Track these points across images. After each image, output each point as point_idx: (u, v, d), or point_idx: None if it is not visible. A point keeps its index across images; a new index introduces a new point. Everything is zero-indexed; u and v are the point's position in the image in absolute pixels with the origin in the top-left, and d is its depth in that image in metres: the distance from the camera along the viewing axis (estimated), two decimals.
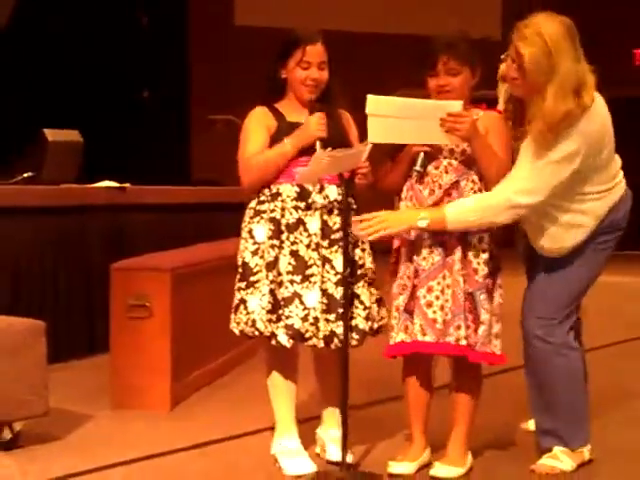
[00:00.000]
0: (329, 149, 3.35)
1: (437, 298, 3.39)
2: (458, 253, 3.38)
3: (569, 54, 3.31)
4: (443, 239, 3.40)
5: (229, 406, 4.52)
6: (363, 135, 3.46)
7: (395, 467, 3.50)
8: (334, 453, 3.54)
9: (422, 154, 3.41)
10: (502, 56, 3.40)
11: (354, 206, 3.54)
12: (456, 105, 3.32)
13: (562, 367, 3.51)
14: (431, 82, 3.43)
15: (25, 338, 3.70)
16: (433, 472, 3.46)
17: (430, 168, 3.44)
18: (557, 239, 3.48)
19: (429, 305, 3.39)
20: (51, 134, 5.95)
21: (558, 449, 3.55)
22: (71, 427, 4.04)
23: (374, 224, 3.34)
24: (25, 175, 5.75)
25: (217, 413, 4.40)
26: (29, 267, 5.27)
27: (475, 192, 3.42)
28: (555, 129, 3.29)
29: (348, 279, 3.41)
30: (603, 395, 4.33)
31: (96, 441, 3.90)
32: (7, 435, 3.74)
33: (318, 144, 3.43)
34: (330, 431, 3.67)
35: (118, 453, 3.71)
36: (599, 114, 3.39)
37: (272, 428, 3.68)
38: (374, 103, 3.34)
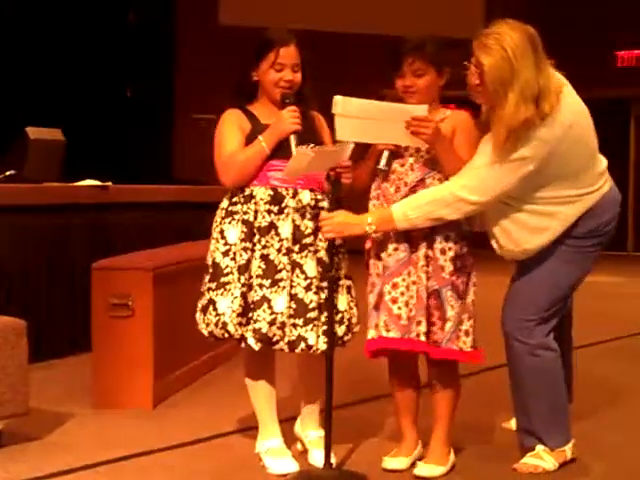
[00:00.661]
0: (311, 145, 3.36)
1: (402, 294, 3.42)
2: (423, 250, 3.41)
3: (530, 63, 3.33)
4: (409, 236, 3.42)
5: (212, 405, 4.52)
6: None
7: (390, 462, 3.53)
8: (318, 458, 3.54)
9: (387, 152, 3.44)
10: (465, 63, 3.42)
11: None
12: (421, 109, 3.37)
13: (534, 368, 3.52)
14: (398, 83, 3.47)
15: (6, 337, 3.69)
16: (416, 471, 3.47)
17: (396, 166, 3.47)
18: (520, 241, 3.49)
19: (394, 301, 3.42)
20: (33, 132, 5.94)
21: (540, 448, 3.56)
22: (53, 426, 4.03)
23: (328, 225, 3.37)
24: (7, 173, 5.74)
25: (199, 412, 4.39)
26: (10, 266, 5.25)
27: None
28: (514, 135, 3.31)
29: (323, 284, 3.45)
30: (589, 394, 4.37)
31: (78, 440, 3.89)
32: None
33: (292, 138, 3.43)
34: (310, 432, 3.68)
35: (101, 452, 3.70)
36: (562, 123, 3.38)
37: (256, 427, 3.68)
38: (341, 104, 3.37)
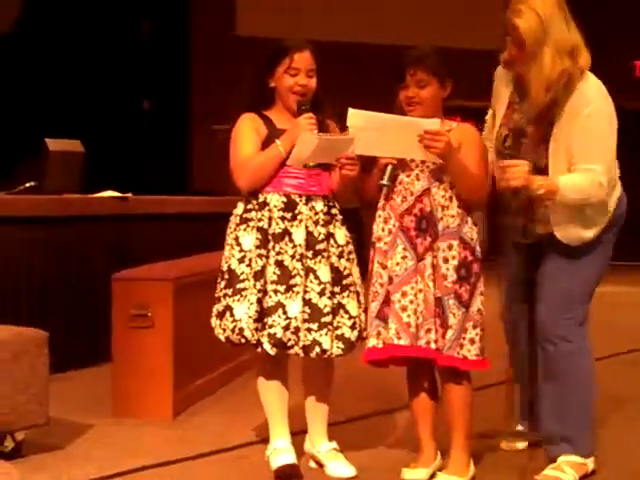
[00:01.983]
0: (316, 132, 3.41)
1: (411, 302, 3.44)
2: (429, 258, 3.43)
3: (561, 21, 3.45)
4: (415, 244, 3.44)
5: (231, 415, 4.53)
6: None
7: (409, 473, 3.53)
8: (337, 469, 3.58)
9: (389, 167, 3.46)
10: (506, 38, 3.53)
11: (339, 217, 3.59)
12: (434, 123, 3.38)
13: (578, 368, 3.55)
14: (401, 94, 3.49)
15: (27, 348, 3.71)
16: None
17: (402, 176, 3.49)
18: (587, 224, 3.51)
19: (404, 309, 3.43)
20: (53, 144, 5.97)
21: (563, 459, 3.54)
22: (73, 436, 4.05)
23: (516, 172, 3.39)
24: (27, 185, 5.77)
25: (219, 422, 4.41)
26: (31, 277, 5.28)
27: (446, 199, 3.46)
28: (553, 87, 3.39)
29: (336, 289, 3.50)
30: (607, 408, 4.35)
31: (98, 450, 3.91)
32: (9, 445, 3.74)
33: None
34: (321, 446, 3.68)
35: (120, 462, 3.72)
36: (597, 85, 3.48)
37: None
38: (355, 117, 3.39)
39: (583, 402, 3.56)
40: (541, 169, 3.48)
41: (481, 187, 3.50)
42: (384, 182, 3.47)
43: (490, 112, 3.83)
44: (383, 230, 3.53)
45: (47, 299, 5.37)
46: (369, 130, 3.38)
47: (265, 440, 3.91)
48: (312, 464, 3.71)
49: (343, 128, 3.49)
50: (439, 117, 3.49)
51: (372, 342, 3.50)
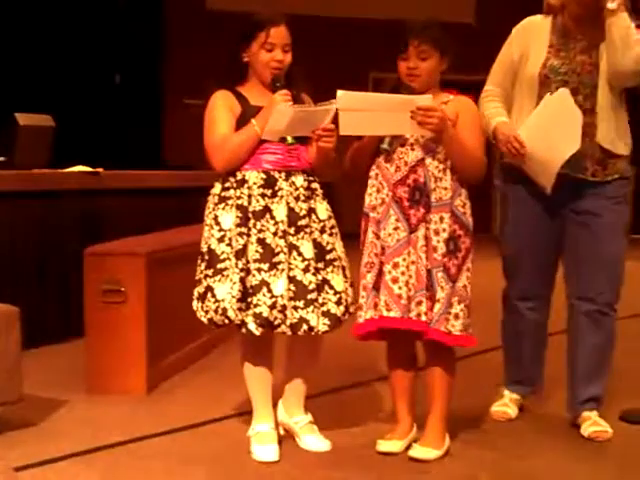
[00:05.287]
0: (290, 103, 3.37)
1: (402, 274, 3.42)
2: (422, 230, 3.41)
3: None
4: (408, 215, 3.42)
5: (206, 390, 4.52)
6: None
7: (384, 445, 3.53)
8: (311, 443, 3.58)
9: None
10: None
11: (319, 191, 3.56)
12: (426, 99, 3.35)
13: (615, 332, 3.84)
14: (401, 65, 3.46)
15: None
16: (411, 453, 3.48)
17: (396, 145, 3.47)
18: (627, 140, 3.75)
19: (395, 281, 3.41)
20: (23, 118, 5.90)
21: (593, 414, 3.81)
22: (47, 413, 4.03)
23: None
24: None
25: (194, 397, 4.39)
26: (2, 253, 5.23)
27: (440, 171, 3.44)
28: None
29: (320, 265, 3.46)
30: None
31: (72, 426, 3.88)
32: None
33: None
34: (298, 418, 3.68)
35: (95, 438, 3.70)
36: None
37: (250, 412, 3.67)
38: (344, 99, 3.34)
39: (611, 364, 3.87)
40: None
41: (477, 162, 3.45)
42: (385, 146, 3.45)
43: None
44: (376, 199, 3.50)
45: (18, 275, 5.33)
46: (359, 110, 3.33)
47: (241, 414, 3.91)
48: (282, 431, 3.70)
49: (318, 100, 3.46)
50: (436, 90, 3.47)
51: (370, 314, 3.47)
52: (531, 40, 3.79)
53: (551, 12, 3.78)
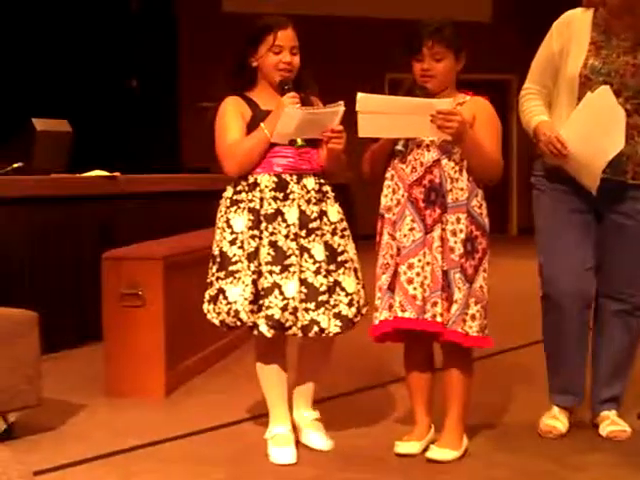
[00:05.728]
0: (298, 106, 3.38)
1: (418, 275, 3.41)
2: (438, 231, 3.40)
3: None
4: (424, 216, 3.41)
5: (224, 392, 4.53)
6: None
7: (402, 447, 3.53)
8: (315, 440, 3.59)
9: None
10: None
11: (330, 194, 3.56)
12: (446, 102, 3.34)
13: None
14: (416, 66, 3.45)
15: (18, 329, 3.70)
16: (429, 454, 3.47)
17: (412, 146, 3.46)
18: None
19: (410, 282, 3.41)
20: (40, 124, 5.93)
21: (612, 414, 3.79)
22: (66, 417, 4.04)
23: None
24: (15, 165, 5.73)
25: (212, 399, 4.40)
26: (20, 257, 5.26)
27: (456, 172, 3.43)
28: None
29: (331, 267, 3.46)
30: None
31: (91, 430, 3.90)
32: (1, 426, 3.73)
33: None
34: (303, 413, 3.69)
35: (114, 441, 3.71)
36: None
37: (267, 415, 3.68)
38: (364, 101, 3.33)
39: (634, 366, 3.88)
40: None
41: (495, 164, 3.44)
42: (399, 147, 3.45)
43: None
44: (392, 200, 3.50)
45: (37, 280, 5.35)
46: (379, 113, 3.33)
47: (259, 416, 3.91)
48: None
49: (327, 102, 3.47)
50: (452, 90, 3.47)
51: (384, 315, 3.46)
52: (572, 35, 3.66)
53: (591, 5, 3.65)
